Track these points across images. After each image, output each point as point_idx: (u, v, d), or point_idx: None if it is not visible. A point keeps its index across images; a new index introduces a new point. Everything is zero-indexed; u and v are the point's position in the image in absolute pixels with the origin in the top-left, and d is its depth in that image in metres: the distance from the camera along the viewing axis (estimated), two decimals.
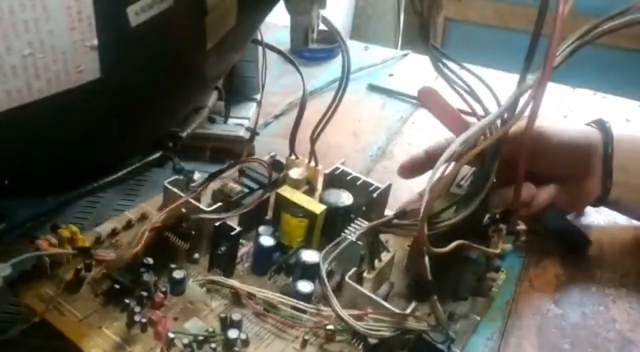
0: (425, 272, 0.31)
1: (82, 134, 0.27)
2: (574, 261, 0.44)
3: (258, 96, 0.59)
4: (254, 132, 0.49)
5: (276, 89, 0.64)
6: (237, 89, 0.56)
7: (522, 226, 0.41)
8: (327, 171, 0.43)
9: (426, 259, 0.31)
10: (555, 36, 0.28)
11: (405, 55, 0.75)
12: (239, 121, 0.53)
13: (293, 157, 0.45)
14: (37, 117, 0.24)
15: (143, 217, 0.41)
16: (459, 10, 1.63)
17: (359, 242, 0.35)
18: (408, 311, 0.33)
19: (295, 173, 0.44)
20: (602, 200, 0.44)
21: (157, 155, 0.33)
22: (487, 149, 0.33)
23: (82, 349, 0.31)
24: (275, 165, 0.45)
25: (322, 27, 0.41)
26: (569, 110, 0.64)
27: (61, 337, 0.32)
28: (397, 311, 0.33)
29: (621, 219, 0.48)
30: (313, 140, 0.43)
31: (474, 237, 0.36)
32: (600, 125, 0.44)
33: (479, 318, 0.37)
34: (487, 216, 0.38)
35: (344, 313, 0.32)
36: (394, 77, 0.70)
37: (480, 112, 0.35)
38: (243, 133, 0.52)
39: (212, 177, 0.40)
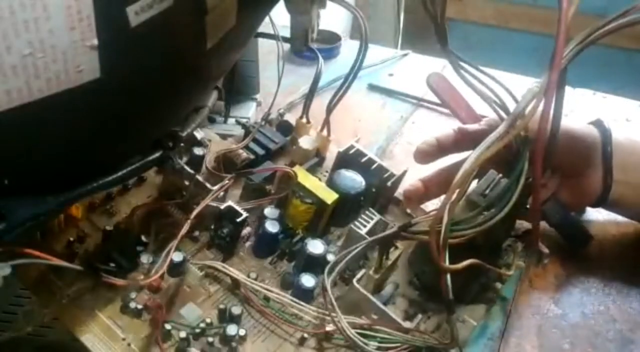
0: (447, 290, 0.30)
1: (82, 134, 0.27)
2: (574, 261, 0.44)
3: (258, 96, 0.59)
4: (248, 129, 0.49)
5: (276, 88, 0.63)
6: (237, 89, 0.56)
7: (546, 249, 0.39)
8: (341, 150, 0.42)
9: (448, 277, 0.30)
10: (560, 41, 0.28)
11: (405, 55, 0.75)
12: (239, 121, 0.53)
13: (304, 120, 0.43)
14: (37, 117, 0.24)
15: (140, 179, 0.39)
16: (459, 10, 1.63)
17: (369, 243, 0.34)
18: (414, 324, 0.33)
19: (305, 142, 0.42)
20: (603, 199, 0.44)
21: (157, 155, 0.33)
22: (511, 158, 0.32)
23: (75, 334, 0.30)
24: (284, 127, 0.43)
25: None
26: (569, 110, 0.64)
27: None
28: (403, 324, 0.33)
29: (622, 218, 0.48)
30: (329, 109, 0.42)
31: (487, 250, 0.34)
32: (599, 125, 0.44)
33: (475, 323, 0.37)
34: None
35: (354, 333, 0.32)
36: (394, 77, 0.70)
37: (501, 115, 0.34)
38: (239, 131, 0.51)
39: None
